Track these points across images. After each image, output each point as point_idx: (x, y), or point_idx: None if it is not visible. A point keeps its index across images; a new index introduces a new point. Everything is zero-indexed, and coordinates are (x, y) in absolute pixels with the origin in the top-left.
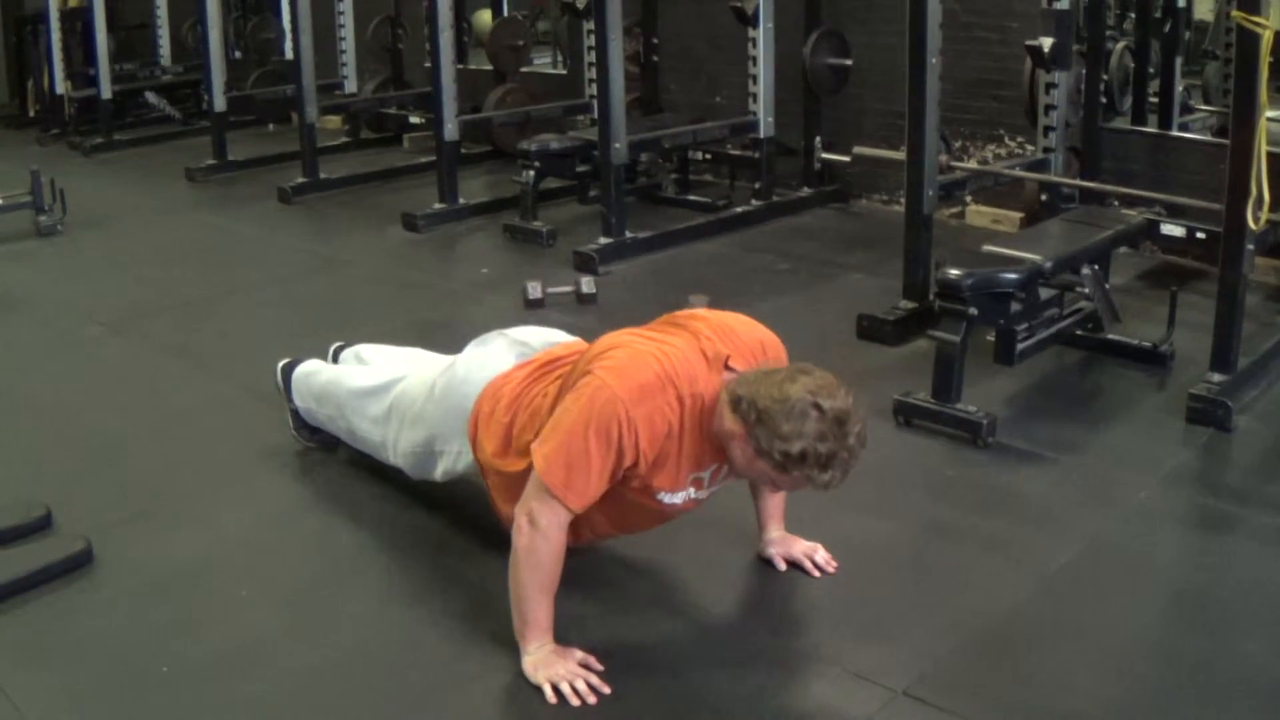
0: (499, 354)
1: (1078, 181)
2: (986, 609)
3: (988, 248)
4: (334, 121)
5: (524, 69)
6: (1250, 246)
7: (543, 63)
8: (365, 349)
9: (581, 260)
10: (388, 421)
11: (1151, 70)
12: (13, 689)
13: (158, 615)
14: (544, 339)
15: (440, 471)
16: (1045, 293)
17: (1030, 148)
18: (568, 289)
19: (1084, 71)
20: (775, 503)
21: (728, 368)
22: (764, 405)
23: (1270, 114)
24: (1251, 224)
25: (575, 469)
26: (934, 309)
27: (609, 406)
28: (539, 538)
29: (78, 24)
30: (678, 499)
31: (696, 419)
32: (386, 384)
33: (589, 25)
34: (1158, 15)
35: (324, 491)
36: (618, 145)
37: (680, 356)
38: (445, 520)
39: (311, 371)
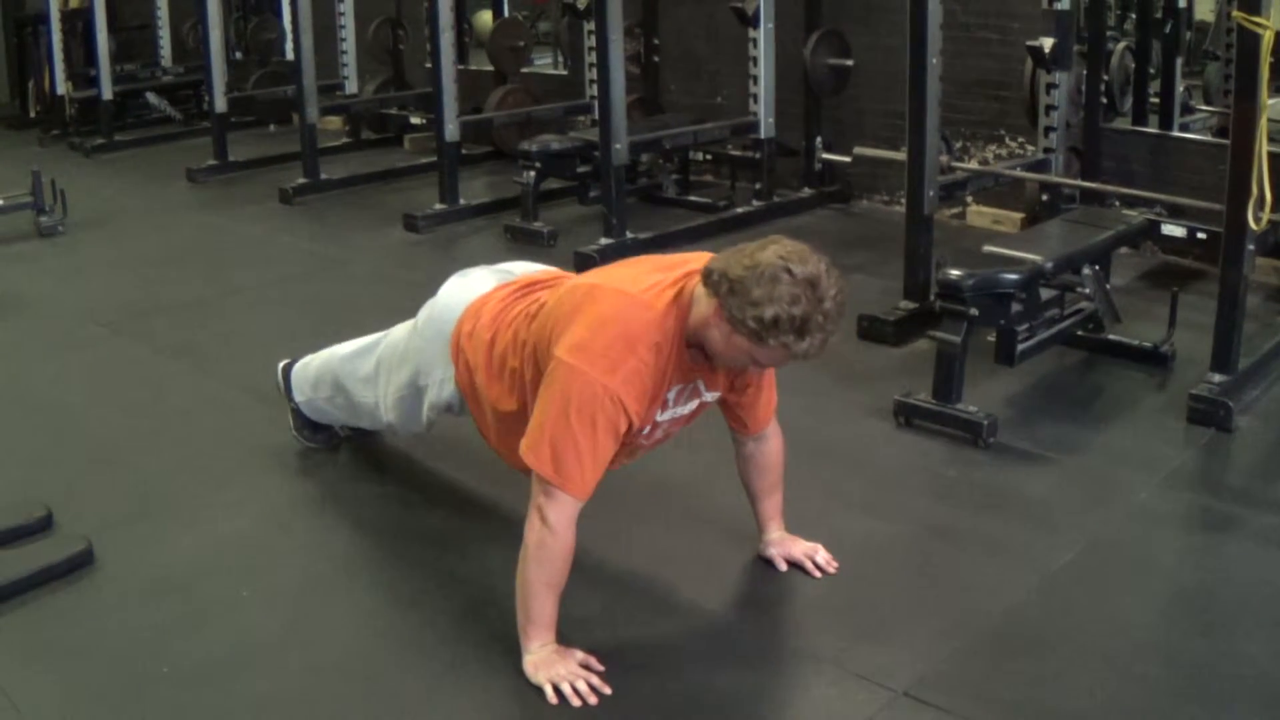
0: (479, 280)
1: (1078, 182)
2: (987, 609)
3: (988, 248)
4: (335, 122)
5: (525, 70)
6: (1251, 247)
7: (543, 63)
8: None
9: (582, 261)
10: (376, 377)
11: (1152, 70)
12: (13, 689)
13: (158, 615)
14: (525, 268)
15: (426, 407)
16: (1046, 293)
17: (1031, 148)
18: None
19: (1085, 72)
20: (774, 503)
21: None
22: (735, 274)
23: (1271, 114)
24: (1252, 224)
25: (567, 458)
26: (935, 309)
27: (585, 389)
28: (549, 534)
29: (79, 25)
30: (646, 431)
31: (676, 351)
32: (373, 342)
33: (590, 26)
34: (1158, 15)
35: (325, 492)
36: (618, 146)
37: (642, 303)
38: (446, 521)
39: (306, 362)
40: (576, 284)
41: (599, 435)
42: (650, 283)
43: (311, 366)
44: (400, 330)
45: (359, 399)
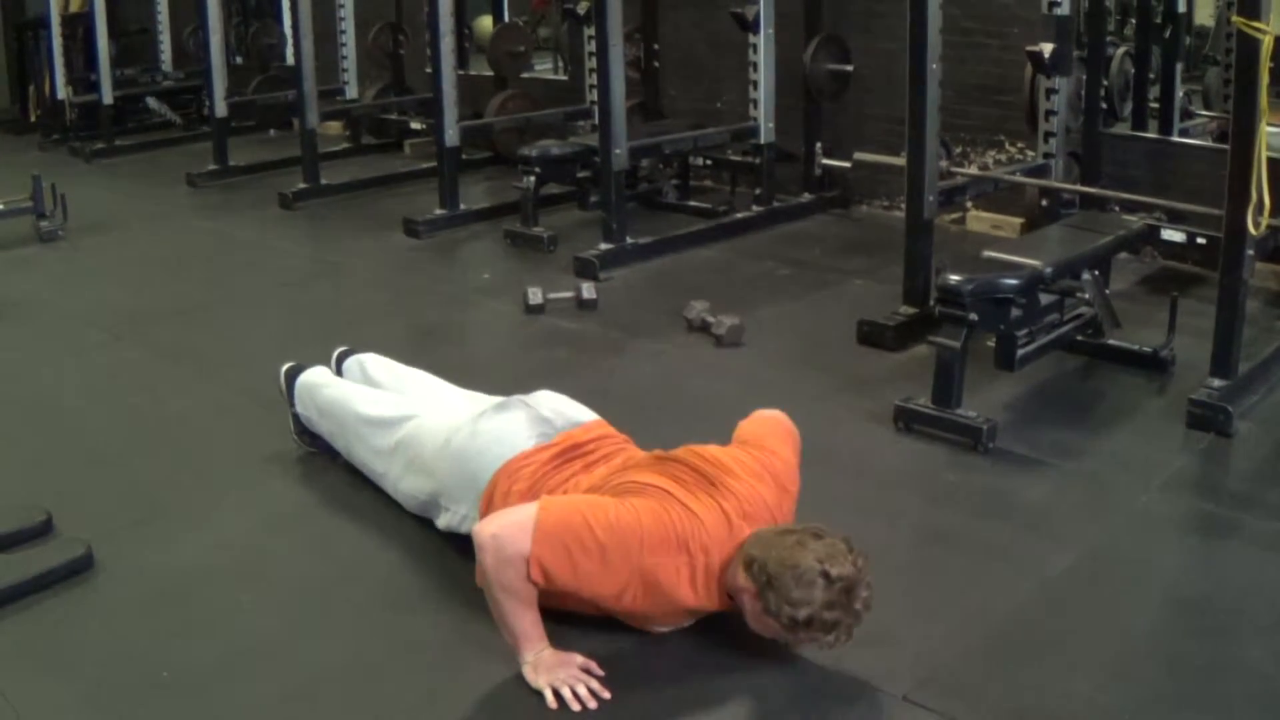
0: (519, 430)
1: (1078, 187)
2: (987, 614)
3: (988, 253)
4: (335, 127)
5: (525, 75)
6: (1250, 251)
7: (544, 68)
8: (371, 364)
9: (582, 266)
10: (392, 458)
11: (1152, 76)
12: (13, 694)
13: (158, 620)
14: (564, 416)
15: (442, 522)
16: (1045, 298)
17: (1031, 153)
18: (568, 295)
19: (1084, 77)
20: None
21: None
22: (774, 570)
23: (1270, 119)
24: (1252, 229)
25: (562, 544)
26: (934, 314)
27: (628, 534)
28: (505, 565)
29: (79, 29)
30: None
31: (703, 584)
32: (396, 420)
33: (590, 31)
34: (1158, 21)
35: (326, 496)
36: (618, 151)
37: (702, 526)
38: None
39: (317, 384)
40: (643, 480)
41: (596, 568)
42: (713, 516)
43: (321, 395)
44: (427, 429)
45: (362, 460)
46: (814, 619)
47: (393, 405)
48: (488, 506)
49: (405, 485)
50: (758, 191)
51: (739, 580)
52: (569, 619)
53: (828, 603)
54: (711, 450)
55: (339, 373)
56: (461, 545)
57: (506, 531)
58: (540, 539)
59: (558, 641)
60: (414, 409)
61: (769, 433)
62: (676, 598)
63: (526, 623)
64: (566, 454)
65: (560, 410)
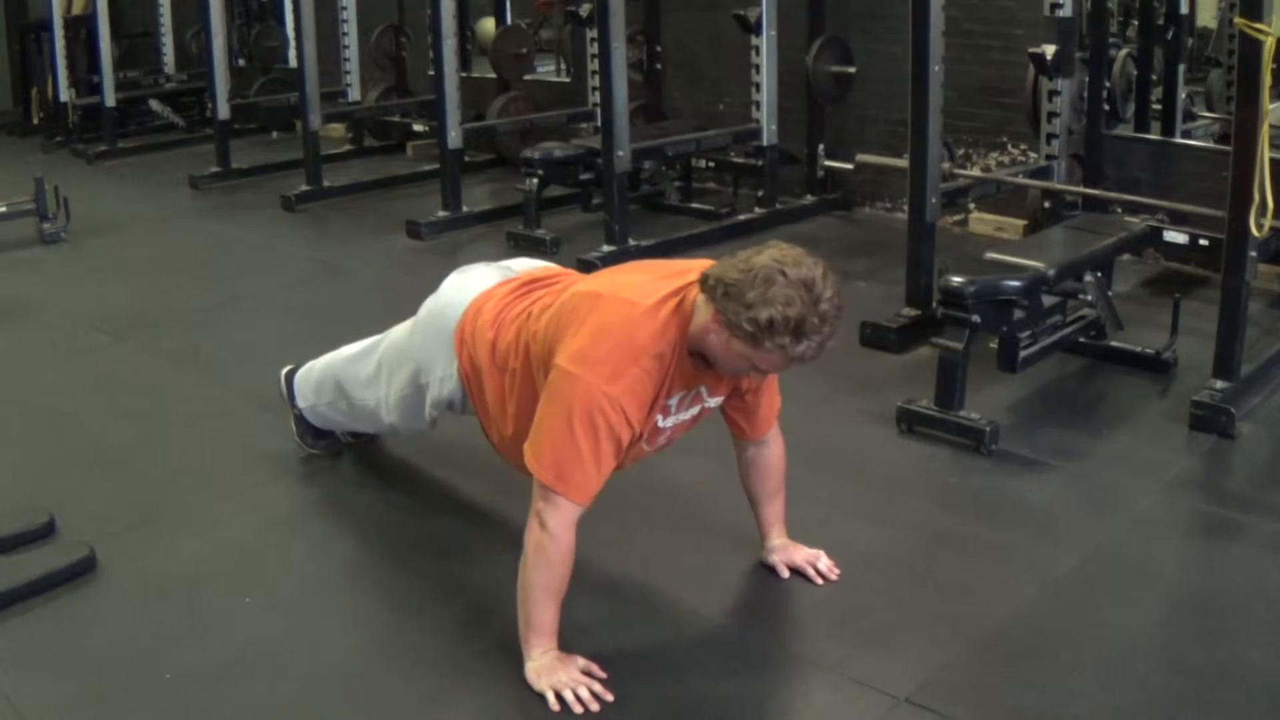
0: (481, 276)
1: (1081, 189)
2: (989, 616)
3: (990, 255)
4: (337, 129)
5: (527, 77)
6: (1253, 253)
7: (546, 71)
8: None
9: (585, 268)
10: (377, 378)
11: (1154, 77)
12: (16, 695)
13: (161, 622)
14: (526, 265)
15: (429, 405)
16: (1048, 300)
17: (1033, 155)
18: None
19: (1087, 79)
20: (776, 509)
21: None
22: (731, 278)
23: (1273, 120)
24: (1254, 231)
25: (569, 465)
26: (937, 316)
27: (586, 396)
28: (547, 538)
29: (82, 31)
30: (659, 439)
31: (678, 358)
32: (374, 343)
33: (592, 33)
34: (1160, 22)
35: (328, 498)
36: (621, 153)
37: (645, 311)
38: (448, 527)
39: (309, 367)
40: (579, 290)
41: (601, 442)
42: (653, 291)
43: (314, 372)
44: (400, 329)
45: (360, 401)
46: (774, 320)
47: (370, 338)
48: (460, 348)
49: (393, 393)
50: (760, 193)
51: (699, 317)
52: (570, 620)
53: (788, 299)
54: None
55: None
56: (463, 546)
57: (541, 509)
58: (560, 486)
59: (561, 643)
60: (386, 332)
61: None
62: (662, 390)
63: (549, 617)
64: (528, 285)
65: (522, 262)
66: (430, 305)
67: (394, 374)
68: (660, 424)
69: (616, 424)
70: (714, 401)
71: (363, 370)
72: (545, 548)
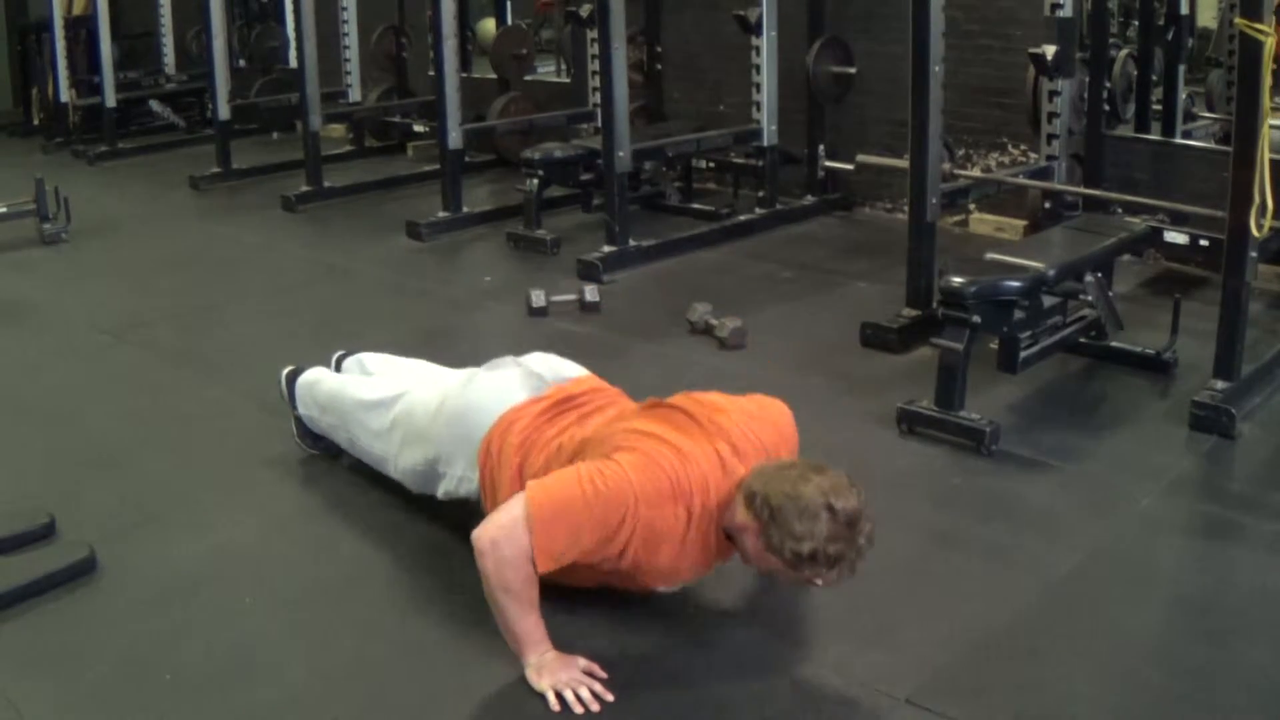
0: (511, 385)
1: (1081, 189)
2: (990, 616)
3: (991, 255)
4: (338, 130)
5: (528, 77)
6: (1253, 253)
7: (546, 71)
8: (369, 358)
9: (585, 268)
10: (390, 436)
11: (1154, 78)
12: (16, 696)
13: (161, 623)
14: (556, 372)
15: (442, 491)
16: (1048, 300)
17: (1033, 155)
18: (571, 297)
19: (1087, 79)
20: None
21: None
22: (777, 503)
23: (1273, 121)
24: (1255, 231)
25: (560, 528)
26: (937, 317)
27: (621, 494)
28: (506, 566)
29: (82, 32)
30: (673, 588)
31: (702, 529)
32: (390, 398)
33: (593, 34)
34: (1161, 23)
35: (328, 499)
36: (621, 154)
37: (696, 468)
38: (449, 528)
39: (315, 380)
40: (628, 417)
41: (600, 538)
42: (705, 455)
43: (320, 390)
44: (421, 399)
45: (365, 446)
46: (818, 553)
47: (387, 385)
48: (484, 461)
49: (404, 460)
50: (761, 194)
51: (739, 517)
52: (571, 620)
53: (832, 535)
54: (708, 395)
55: (338, 373)
56: (464, 547)
57: (501, 533)
58: (538, 529)
59: (560, 643)
60: (407, 385)
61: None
62: (676, 547)
63: (529, 625)
64: (559, 406)
65: (552, 366)
66: (457, 403)
67: (409, 445)
68: (662, 590)
69: (621, 537)
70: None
71: (374, 422)
72: (505, 576)
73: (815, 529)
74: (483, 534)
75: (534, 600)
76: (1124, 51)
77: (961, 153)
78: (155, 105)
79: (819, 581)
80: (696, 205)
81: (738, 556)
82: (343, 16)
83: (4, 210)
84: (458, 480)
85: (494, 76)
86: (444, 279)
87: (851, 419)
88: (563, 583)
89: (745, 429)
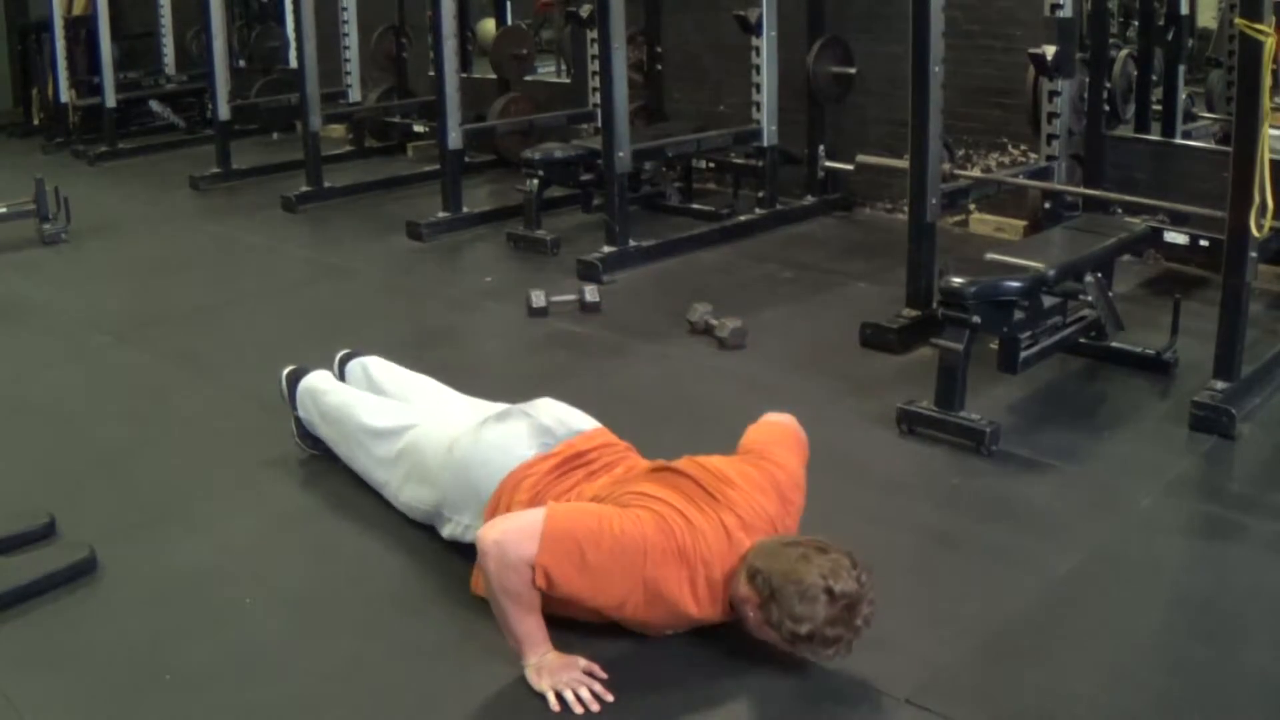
0: (521, 440)
1: (1081, 189)
2: (990, 616)
3: (991, 256)
4: (338, 130)
5: (528, 78)
6: (1253, 254)
7: (546, 71)
8: (375, 368)
9: (585, 269)
10: (394, 468)
11: (1154, 78)
12: (17, 696)
13: (161, 622)
14: (567, 426)
15: (446, 533)
16: (1048, 301)
17: (1033, 156)
18: (571, 297)
19: (1087, 79)
20: None
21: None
22: (778, 584)
23: (1273, 122)
24: (1255, 231)
25: (568, 549)
26: (937, 317)
27: (635, 544)
28: (509, 570)
29: (82, 32)
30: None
31: (705, 594)
32: (398, 429)
33: (592, 34)
34: (1161, 23)
35: (328, 499)
36: (621, 154)
37: (703, 540)
38: None
39: (320, 389)
40: (642, 490)
41: (599, 573)
42: (714, 528)
43: (325, 402)
44: (429, 438)
45: (364, 468)
46: (815, 634)
47: (395, 415)
48: (491, 517)
49: (406, 495)
50: (760, 194)
51: (741, 591)
52: (571, 621)
53: (830, 619)
54: (714, 461)
55: (341, 376)
56: (465, 550)
57: (510, 536)
58: (546, 545)
59: (560, 644)
60: (416, 418)
61: (776, 441)
62: (679, 609)
63: (530, 626)
64: (569, 463)
65: (562, 419)
66: (466, 456)
67: (414, 482)
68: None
69: (622, 587)
70: None
71: (379, 450)
72: (508, 580)
73: (814, 612)
74: (488, 534)
75: (535, 603)
76: (1124, 52)
77: (961, 153)
78: (155, 105)
79: (817, 659)
80: (696, 205)
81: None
82: (343, 16)
83: (4, 210)
84: (464, 528)
85: (494, 77)
86: (444, 279)
87: (851, 419)
88: (553, 613)
89: (751, 502)
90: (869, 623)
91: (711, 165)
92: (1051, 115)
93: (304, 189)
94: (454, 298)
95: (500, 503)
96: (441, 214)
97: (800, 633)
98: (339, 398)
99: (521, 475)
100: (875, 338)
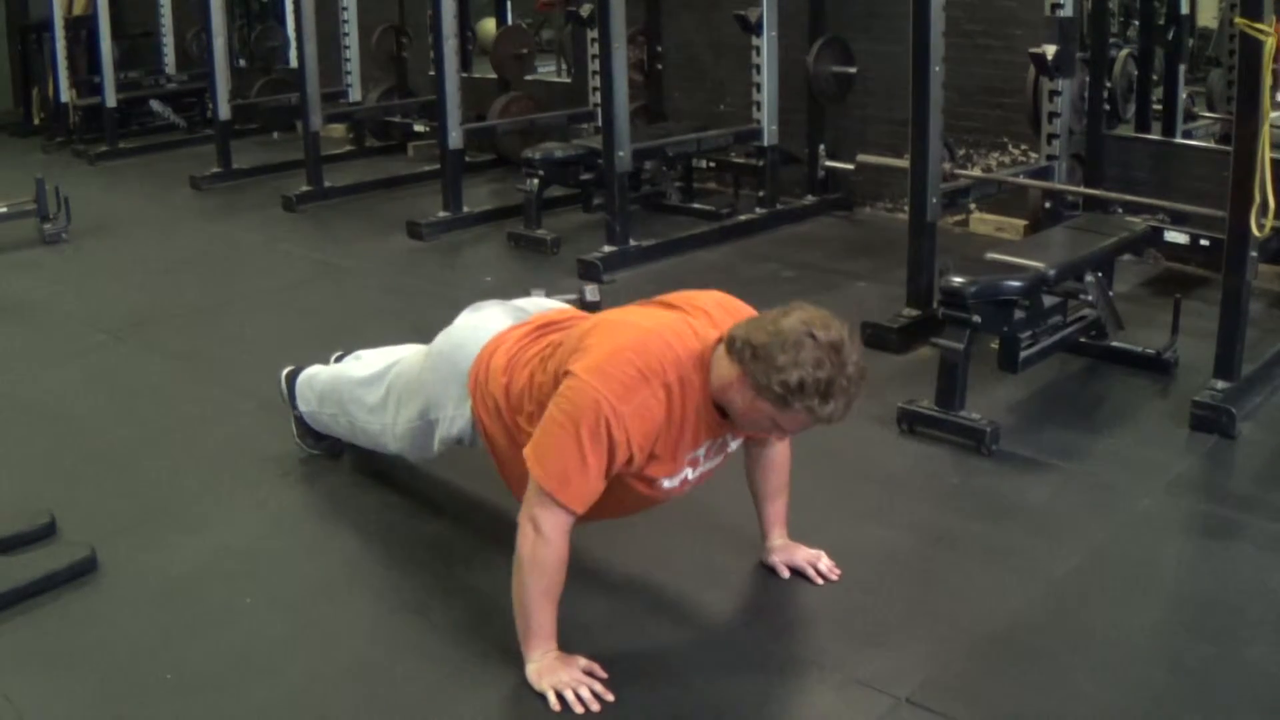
0: (494, 317)
1: (1081, 189)
2: (990, 616)
3: (991, 255)
4: (338, 130)
5: (528, 77)
6: (1254, 253)
7: (547, 71)
8: (364, 351)
9: (586, 268)
10: (384, 406)
11: (1155, 77)
12: (17, 696)
13: (162, 622)
14: (539, 306)
15: (438, 440)
16: (1049, 300)
17: (1034, 155)
18: (572, 297)
19: (1087, 79)
20: (779, 508)
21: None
22: (759, 340)
23: (1274, 121)
24: (1255, 231)
25: (570, 471)
26: (938, 317)
27: (595, 405)
28: (542, 543)
29: (82, 32)
30: (675, 482)
31: (684, 402)
32: (383, 370)
33: (593, 34)
34: (1161, 22)
35: (328, 499)
36: (622, 153)
37: (663, 342)
38: (449, 529)
39: (313, 374)
40: (596, 319)
41: (603, 451)
42: (670, 326)
43: (318, 381)
44: (410, 360)
45: (363, 425)
46: (805, 381)
47: (380, 360)
48: (473, 388)
49: (401, 422)
50: (761, 194)
51: (723, 372)
52: (571, 620)
53: (817, 361)
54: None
55: None
56: (465, 547)
57: (534, 511)
58: (557, 489)
59: (560, 643)
60: (399, 356)
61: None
62: (667, 427)
63: (545, 617)
64: (542, 329)
65: (536, 303)
66: (442, 344)
67: (403, 405)
68: (689, 475)
69: (619, 443)
70: (736, 444)
71: (370, 396)
72: (540, 552)
73: (800, 356)
74: (523, 514)
75: (557, 592)
76: (1124, 51)
77: (962, 153)
78: (156, 105)
79: (817, 419)
80: (697, 205)
81: (736, 443)
82: (343, 16)
83: (4, 210)
84: (450, 420)
85: (494, 76)
86: (444, 279)
87: (851, 419)
88: (601, 518)
89: (721, 303)
90: (863, 375)
91: (712, 165)
92: (1052, 115)
93: (304, 188)
94: (454, 297)
95: (478, 373)
96: (442, 213)
97: (790, 381)
98: (330, 370)
99: (496, 343)
100: (875, 337)
